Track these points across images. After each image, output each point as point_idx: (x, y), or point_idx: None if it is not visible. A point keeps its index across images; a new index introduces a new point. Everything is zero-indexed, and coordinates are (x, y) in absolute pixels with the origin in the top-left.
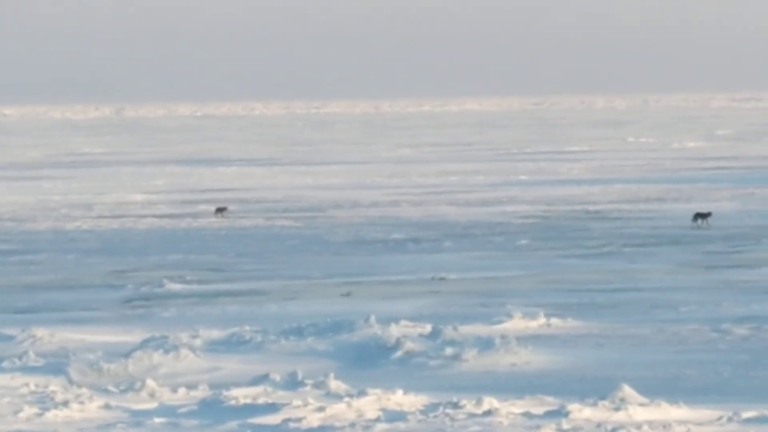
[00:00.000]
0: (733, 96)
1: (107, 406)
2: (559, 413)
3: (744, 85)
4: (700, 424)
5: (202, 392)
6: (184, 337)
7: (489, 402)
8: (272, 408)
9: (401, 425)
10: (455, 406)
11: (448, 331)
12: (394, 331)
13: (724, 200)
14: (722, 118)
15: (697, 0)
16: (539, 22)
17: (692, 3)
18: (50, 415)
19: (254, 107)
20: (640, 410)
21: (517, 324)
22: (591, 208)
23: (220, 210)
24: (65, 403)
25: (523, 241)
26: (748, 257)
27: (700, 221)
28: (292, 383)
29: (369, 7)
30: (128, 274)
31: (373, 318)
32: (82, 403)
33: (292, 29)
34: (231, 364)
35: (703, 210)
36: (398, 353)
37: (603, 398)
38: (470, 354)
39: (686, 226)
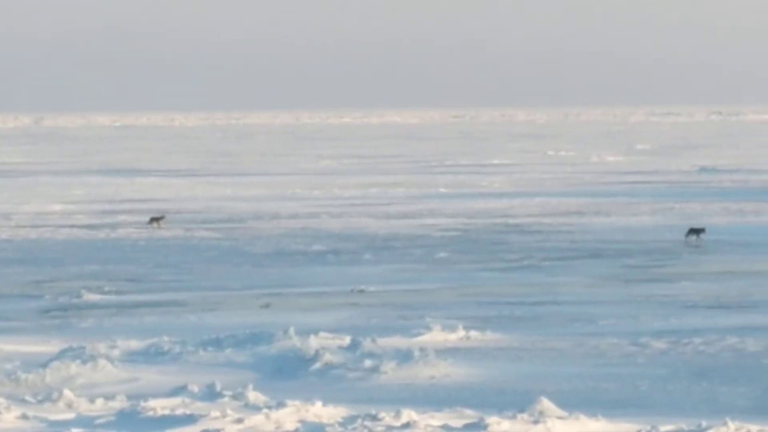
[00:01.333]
0: (652, 110)
1: (24, 416)
2: (478, 426)
3: (663, 100)
4: None
5: (119, 403)
6: (102, 347)
7: (408, 414)
8: (190, 419)
9: None
10: (374, 418)
11: (367, 344)
12: (313, 342)
13: (644, 214)
14: (641, 133)
15: (613, 18)
16: (459, 36)
17: (608, 21)
18: None
19: (174, 118)
20: (558, 423)
21: (436, 336)
22: (511, 221)
23: (155, 219)
24: None
25: (443, 254)
26: (667, 271)
27: (694, 237)
28: (211, 394)
29: (287, 19)
30: (46, 284)
31: (292, 329)
32: None
33: (211, 40)
34: (149, 375)
35: (697, 226)
36: (317, 365)
37: (522, 411)
38: (389, 366)
39: (606, 240)
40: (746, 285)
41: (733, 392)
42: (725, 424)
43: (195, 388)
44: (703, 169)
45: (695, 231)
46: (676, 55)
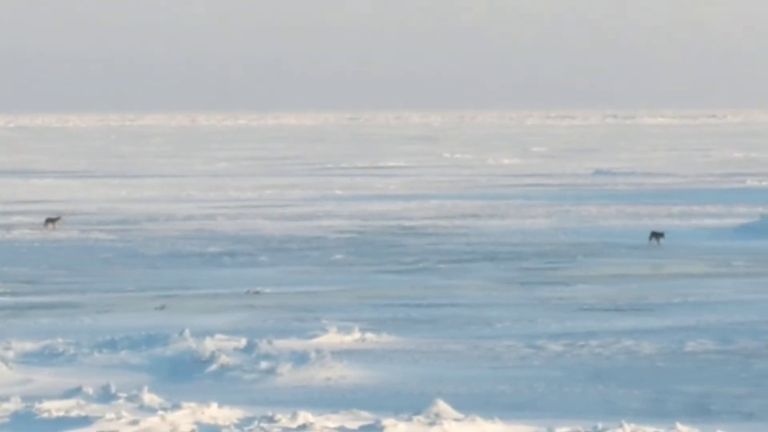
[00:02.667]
0: (548, 113)
1: None
2: (374, 428)
3: (559, 103)
4: None
5: (14, 405)
6: None
7: (304, 416)
8: (85, 421)
9: None
10: (270, 419)
11: (263, 345)
12: (209, 344)
13: (539, 217)
14: (537, 136)
15: (513, 21)
16: (353, 38)
17: (507, 24)
18: None
19: (68, 119)
20: (454, 425)
21: (332, 338)
22: (407, 223)
23: (50, 221)
24: None
25: (339, 256)
26: (563, 274)
27: (654, 240)
28: (106, 396)
29: (182, 20)
30: None
31: (187, 331)
32: None
33: (105, 41)
34: (43, 377)
35: (659, 229)
36: (213, 367)
37: (418, 413)
38: (285, 368)
39: (501, 242)
40: (641, 288)
41: (629, 394)
42: (621, 426)
43: (90, 390)
44: (598, 172)
45: (656, 234)
46: (570, 60)
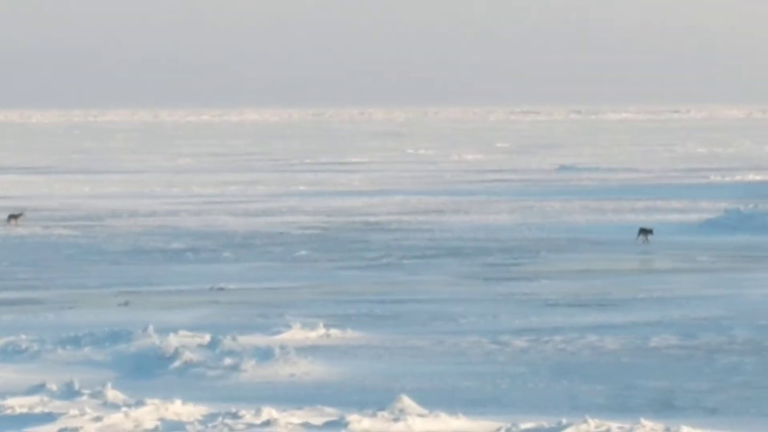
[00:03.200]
0: (511, 109)
1: None
2: (339, 424)
3: (522, 99)
4: None
5: None
6: None
7: (268, 412)
8: (49, 417)
9: None
10: (234, 416)
11: (227, 342)
12: (173, 341)
13: (503, 213)
14: (501, 131)
15: (476, 17)
16: (317, 34)
17: (471, 20)
18: None
19: (31, 115)
20: (419, 421)
21: (296, 334)
22: (371, 219)
23: (13, 217)
24: None
25: (303, 252)
26: (527, 270)
27: (643, 237)
28: (69, 393)
29: (148, 16)
30: None
31: (151, 328)
32: None
33: (68, 37)
34: (7, 374)
35: (647, 226)
36: (177, 363)
37: (382, 409)
38: (249, 364)
39: (466, 238)
40: (605, 283)
41: (593, 390)
42: (585, 421)
43: (53, 387)
44: (563, 168)
45: (645, 231)
46: (536, 55)
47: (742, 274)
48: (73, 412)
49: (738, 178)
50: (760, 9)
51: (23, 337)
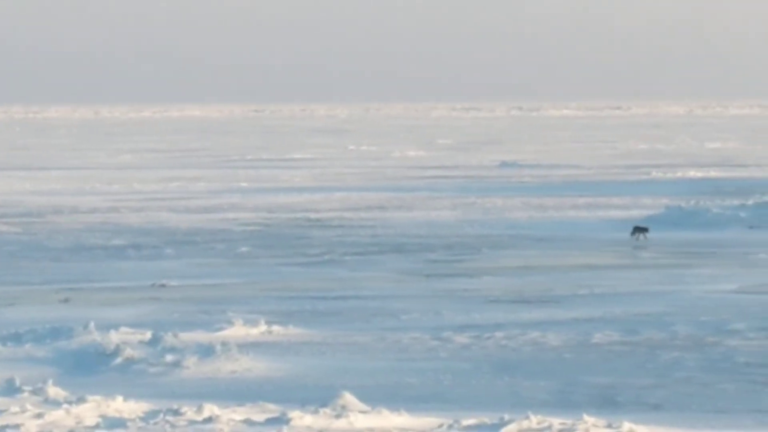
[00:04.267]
0: (453, 106)
1: None
2: (281, 420)
3: (464, 96)
4: (420, 431)
5: None
6: None
7: (210, 409)
8: None
9: None
10: (176, 413)
11: (169, 338)
12: (114, 337)
13: (445, 209)
14: (443, 128)
15: (418, 13)
16: (259, 29)
17: (412, 16)
18: None
19: None
20: (361, 417)
21: (238, 331)
22: (313, 215)
23: None
24: None
25: (245, 249)
26: (469, 266)
27: (638, 235)
28: (10, 389)
29: (90, 11)
30: None
31: (92, 324)
32: None
33: (9, 33)
34: None
35: (642, 224)
36: (118, 360)
37: (324, 405)
38: (191, 361)
39: (408, 234)
40: (547, 280)
41: (535, 386)
42: (527, 417)
43: None
44: (504, 164)
45: (639, 229)
46: (476, 51)
47: (683, 270)
48: (14, 409)
49: (679, 174)
50: (701, 6)
51: None
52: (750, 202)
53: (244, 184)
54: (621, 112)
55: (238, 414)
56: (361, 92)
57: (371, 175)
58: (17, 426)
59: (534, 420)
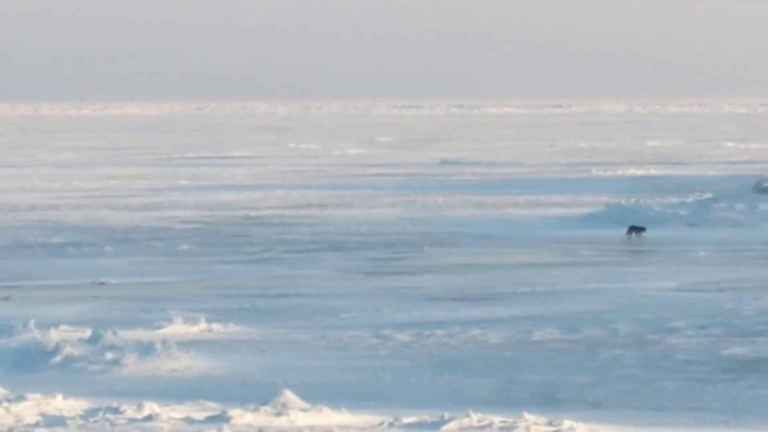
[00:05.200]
0: (394, 104)
1: None
2: (221, 418)
3: (405, 93)
4: (361, 429)
5: None
6: None
7: (150, 407)
8: None
9: (61, 430)
10: (115, 411)
11: (109, 336)
12: (54, 335)
13: (386, 207)
14: (383, 125)
15: (359, 10)
16: (198, 27)
17: (353, 13)
18: None
19: None
20: (301, 415)
21: (178, 329)
22: (253, 213)
23: None
24: None
25: (185, 247)
26: (409, 264)
27: (634, 235)
28: None
29: (24, 6)
30: None
31: (32, 322)
32: None
33: None
34: None
35: (639, 224)
36: (58, 358)
37: (265, 403)
38: (131, 359)
39: (348, 232)
40: (488, 278)
41: (476, 384)
42: (468, 415)
43: None
44: (445, 162)
45: (636, 229)
46: (417, 49)
47: (623, 268)
48: None
49: (619, 172)
50: (639, 5)
51: None
52: (690, 199)
53: (184, 182)
54: (561, 110)
55: (178, 412)
56: (302, 90)
57: (312, 173)
58: None
59: (475, 418)
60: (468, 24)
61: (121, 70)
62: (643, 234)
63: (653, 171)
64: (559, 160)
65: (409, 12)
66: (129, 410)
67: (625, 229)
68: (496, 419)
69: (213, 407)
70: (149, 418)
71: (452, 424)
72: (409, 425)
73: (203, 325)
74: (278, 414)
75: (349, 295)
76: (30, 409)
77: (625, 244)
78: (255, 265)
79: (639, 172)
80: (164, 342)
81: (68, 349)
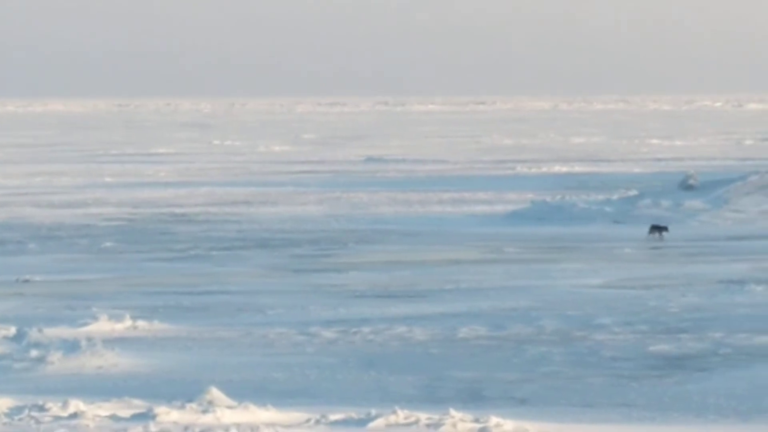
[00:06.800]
0: (318, 101)
1: None
2: (147, 416)
3: (329, 91)
4: (288, 426)
5: None
6: None
7: (75, 405)
8: None
9: None
10: (41, 408)
11: (34, 334)
12: None
13: (311, 204)
14: (308, 123)
15: (284, 7)
16: (123, 23)
17: (279, 11)
18: None
19: None
20: (228, 412)
21: (103, 326)
22: (178, 210)
23: None
24: None
25: (109, 244)
26: (335, 261)
27: (657, 234)
28: None
29: None
30: None
31: None
32: None
33: None
34: None
35: (661, 223)
36: None
37: (191, 401)
38: (56, 356)
39: (273, 229)
40: (413, 274)
41: (402, 381)
42: (394, 412)
43: None
44: (370, 159)
45: (658, 228)
46: (335, 46)
47: (549, 265)
48: None
49: (544, 169)
50: (565, 1)
51: None
52: (615, 196)
53: (108, 179)
54: (486, 107)
55: (103, 409)
56: (226, 87)
57: (236, 170)
58: None
59: (401, 415)
60: (392, 21)
61: (44, 66)
62: (665, 233)
63: (578, 168)
64: (484, 157)
65: (333, 9)
66: (54, 408)
67: (647, 230)
68: (423, 416)
69: (139, 405)
70: (75, 415)
71: (379, 421)
72: (336, 422)
73: (128, 323)
74: (204, 411)
75: (275, 292)
76: None
77: (550, 241)
78: (180, 263)
79: (564, 169)
80: (89, 339)
81: None
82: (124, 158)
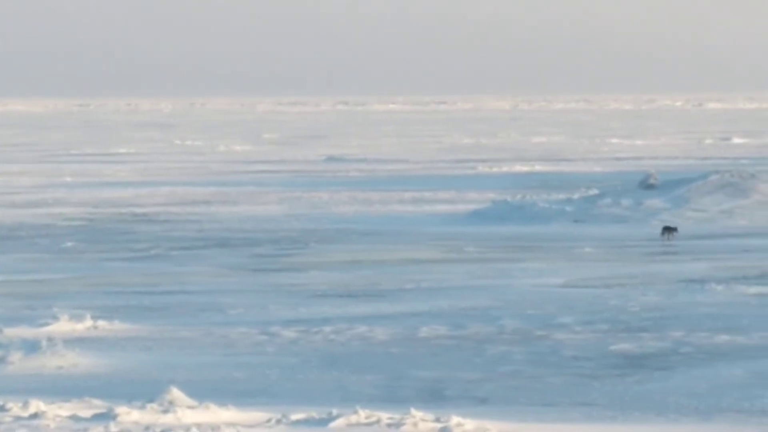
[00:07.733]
0: (279, 100)
1: None
2: (107, 416)
3: (290, 90)
4: (249, 426)
5: None
6: None
7: (35, 405)
8: None
9: None
10: (1, 408)
11: None
12: None
13: (272, 203)
14: (269, 122)
15: (244, 7)
16: (83, 23)
17: (239, 10)
18: None
19: None
20: (189, 412)
21: (63, 326)
22: (138, 210)
23: None
24: None
25: (69, 244)
26: (296, 261)
27: (669, 235)
28: None
29: None
30: None
31: None
32: None
33: None
34: None
35: (672, 224)
36: None
37: (151, 401)
38: (16, 356)
39: (234, 229)
40: (374, 274)
41: (363, 380)
42: (355, 412)
43: None
44: (330, 159)
45: (669, 229)
46: (296, 46)
47: (510, 264)
48: None
49: (505, 169)
50: (523, 2)
51: None
52: (575, 196)
53: (68, 179)
54: (446, 106)
55: (64, 410)
56: (186, 86)
57: (197, 169)
58: None
59: (362, 414)
60: (352, 20)
61: (2, 66)
62: (675, 234)
63: (539, 167)
64: (444, 156)
65: (291, 8)
66: (15, 408)
67: (660, 231)
68: (384, 415)
69: (99, 405)
70: (35, 416)
71: (340, 421)
72: (297, 422)
73: (89, 323)
74: (165, 411)
75: (236, 292)
76: None
77: (511, 240)
78: (140, 262)
79: (525, 168)
80: (50, 339)
81: None
82: (84, 158)
